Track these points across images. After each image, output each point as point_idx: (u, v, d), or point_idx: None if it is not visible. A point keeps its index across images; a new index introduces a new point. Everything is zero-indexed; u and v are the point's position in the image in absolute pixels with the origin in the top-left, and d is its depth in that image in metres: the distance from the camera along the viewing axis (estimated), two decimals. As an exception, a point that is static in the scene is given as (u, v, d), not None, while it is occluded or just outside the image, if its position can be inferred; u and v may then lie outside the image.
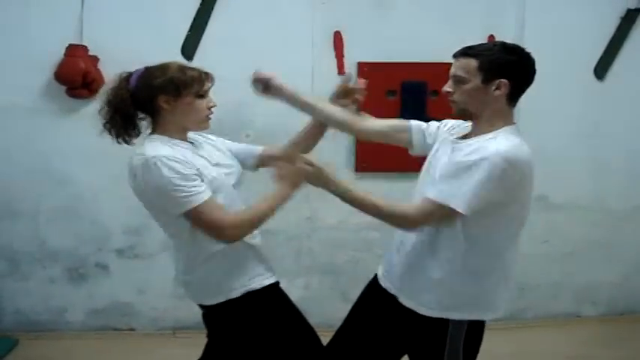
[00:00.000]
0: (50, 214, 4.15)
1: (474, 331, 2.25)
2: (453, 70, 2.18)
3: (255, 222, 2.30)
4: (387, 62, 4.11)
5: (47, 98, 4.01)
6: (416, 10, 4.16)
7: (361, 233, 4.25)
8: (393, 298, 2.32)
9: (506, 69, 2.11)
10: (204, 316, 2.51)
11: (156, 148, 2.23)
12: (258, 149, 2.70)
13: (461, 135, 2.27)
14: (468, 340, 2.23)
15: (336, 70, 4.15)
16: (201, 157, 2.35)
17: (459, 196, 2.03)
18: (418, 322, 2.23)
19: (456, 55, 2.18)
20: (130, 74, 2.35)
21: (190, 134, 2.42)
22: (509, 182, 2.04)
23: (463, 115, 2.21)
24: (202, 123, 2.38)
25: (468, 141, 2.17)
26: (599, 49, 4.36)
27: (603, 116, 4.41)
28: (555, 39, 4.24)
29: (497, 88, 2.11)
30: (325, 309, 4.26)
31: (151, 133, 2.36)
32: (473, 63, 2.11)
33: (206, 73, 2.38)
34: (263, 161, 2.67)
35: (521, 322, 4.41)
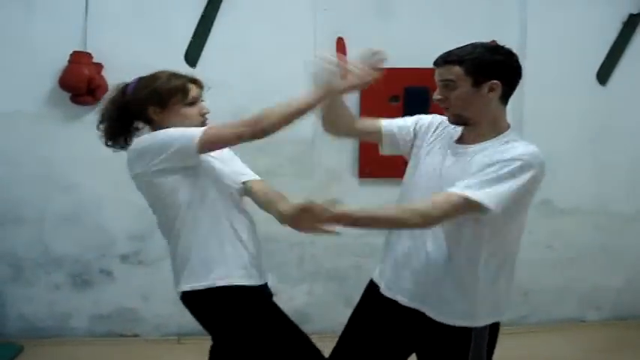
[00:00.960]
0: (54, 220, 4.16)
1: (493, 332, 2.25)
2: (439, 77, 2.14)
3: (282, 115, 2.27)
4: (389, 68, 4.10)
5: (52, 105, 4.03)
6: (418, 15, 4.18)
7: (364, 239, 4.24)
8: (402, 309, 2.27)
9: (495, 69, 2.08)
10: (184, 301, 2.45)
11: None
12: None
13: (456, 137, 2.24)
14: (489, 343, 2.24)
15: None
16: None
17: (493, 195, 1.97)
18: (440, 332, 2.20)
19: (437, 64, 2.14)
20: (127, 85, 2.39)
21: None
22: (536, 186, 2.06)
23: (459, 121, 2.16)
24: None
25: (472, 147, 2.14)
26: (602, 54, 4.37)
27: (606, 121, 4.41)
28: (558, 44, 4.26)
29: (490, 90, 2.09)
30: (329, 315, 4.27)
31: None
32: (457, 69, 2.08)
33: (193, 80, 2.38)
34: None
35: (525, 327, 4.40)
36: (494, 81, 2.08)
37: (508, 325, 4.06)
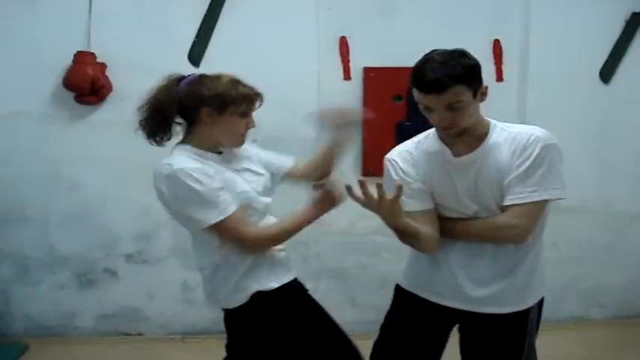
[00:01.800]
0: (59, 219, 4.17)
1: (541, 304, 2.35)
2: (442, 102, 2.03)
3: (278, 238, 2.32)
4: (392, 67, 4.13)
5: (56, 105, 4.05)
6: (421, 15, 4.18)
7: (369, 237, 4.25)
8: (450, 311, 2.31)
9: (479, 73, 2.09)
10: (225, 320, 2.46)
11: (184, 160, 2.21)
12: (287, 165, 2.60)
13: (450, 152, 2.22)
14: (539, 315, 2.35)
15: (341, 76, 4.17)
16: (229, 168, 2.32)
17: (549, 187, 2.12)
18: (499, 321, 2.25)
19: (436, 90, 2.01)
20: (183, 77, 2.32)
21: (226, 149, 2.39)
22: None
23: (461, 134, 2.13)
24: (236, 142, 2.35)
25: (477, 151, 2.16)
26: (605, 52, 4.37)
27: (610, 119, 4.41)
28: (561, 43, 4.25)
29: (482, 94, 2.11)
30: (333, 314, 4.26)
31: (182, 141, 2.34)
32: (461, 88, 2.01)
33: (257, 94, 2.34)
34: (291, 178, 2.61)
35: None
36: (483, 84, 2.10)
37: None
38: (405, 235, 2.16)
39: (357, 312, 4.04)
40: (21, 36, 3.98)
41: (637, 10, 4.33)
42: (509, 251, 2.20)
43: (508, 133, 2.16)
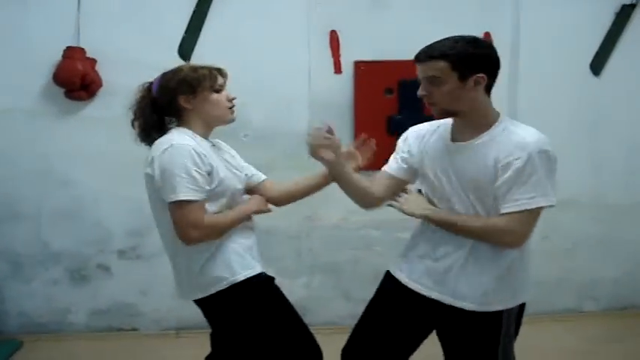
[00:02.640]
0: (52, 216, 4.16)
1: (520, 311, 2.39)
2: (423, 73, 2.16)
3: (218, 229, 2.38)
4: (383, 61, 4.13)
5: (46, 100, 4.03)
6: (411, 8, 4.18)
7: (361, 232, 4.26)
8: (430, 302, 2.33)
9: (480, 62, 2.13)
10: (201, 309, 2.54)
11: (183, 138, 2.35)
12: (261, 178, 2.74)
13: (451, 137, 2.29)
14: (516, 322, 2.38)
15: (332, 70, 4.17)
16: (219, 156, 2.47)
17: (545, 193, 2.13)
18: (471, 318, 2.27)
19: (420, 59, 2.16)
20: (151, 83, 2.48)
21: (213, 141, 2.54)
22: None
23: (446, 115, 2.23)
24: (225, 115, 2.50)
25: (475, 140, 2.19)
26: (595, 45, 4.37)
27: (601, 112, 4.41)
28: (551, 36, 4.26)
29: (476, 84, 2.13)
30: (327, 308, 4.29)
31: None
32: (442, 64, 2.10)
33: (217, 69, 2.49)
34: (258, 193, 2.69)
35: (523, 317, 4.41)
36: (480, 74, 2.12)
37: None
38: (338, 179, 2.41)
39: (351, 306, 4.04)
40: (10, 32, 3.96)
41: (627, 2, 4.33)
42: (484, 251, 2.22)
43: (508, 132, 2.16)
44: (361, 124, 4.12)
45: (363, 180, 2.45)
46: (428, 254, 2.34)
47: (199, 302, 2.47)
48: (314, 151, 2.29)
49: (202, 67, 2.46)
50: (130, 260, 4.25)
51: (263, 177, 2.73)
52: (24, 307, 4.24)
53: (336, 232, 4.33)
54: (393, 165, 2.47)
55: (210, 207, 2.36)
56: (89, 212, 4.18)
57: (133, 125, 2.48)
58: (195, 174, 2.27)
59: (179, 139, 2.32)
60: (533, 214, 2.13)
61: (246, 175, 2.64)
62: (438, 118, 2.26)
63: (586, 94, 4.39)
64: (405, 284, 2.39)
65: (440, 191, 2.30)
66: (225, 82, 2.50)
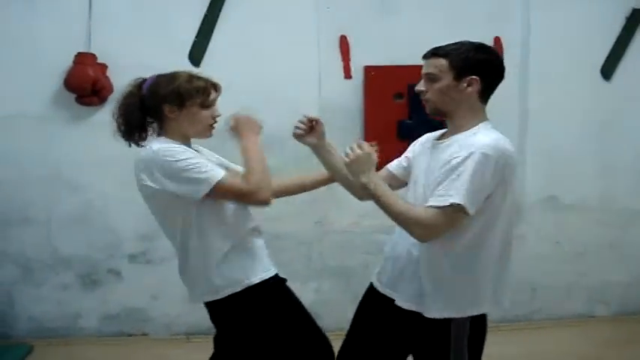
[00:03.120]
0: (62, 221, 4.17)
1: (477, 326, 2.24)
2: (424, 70, 2.22)
3: (265, 174, 2.34)
4: (393, 65, 4.13)
5: (57, 106, 4.05)
6: (421, 13, 4.19)
7: (372, 236, 4.25)
8: (393, 304, 2.32)
9: (476, 66, 2.15)
10: (209, 313, 2.51)
11: (160, 143, 2.32)
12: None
13: (437, 137, 2.33)
14: (472, 337, 2.23)
15: (342, 75, 4.18)
16: (203, 157, 2.41)
17: (460, 193, 2.02)
18: (422, 325, 2.24)
19: (426, 56, 2.22)
20: (144, 80, 2.42)
21: (193, 146, 2.48)
22: (498, 174, 2.06)
23: (437, 113, 2.24)
24: (205, 132, 2.44)
25: (447, 141, 2.22)
26: (606, 49, 4.36)
27: (611, 116, 4.41)
28: (561, 40, 4.25)
29: (468, 85, 2.15)
30: (337, 312, 4.26)
31: (158, 136, 2.42)
32: (442, 62, 2.15)
33: (213, 84, 2.43)
34: None
35: (533, 322, 4.40)
36: (474, 77, 2.14)
37: (516, 320, 4.11)
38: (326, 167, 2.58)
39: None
40: (21, 37, 3.98)
41: (637, 7, 4.33)
42: (429, 254, 2.20)
43: (470, 139, 2.12)
44: (371, 129, 4.12)
45: None
46: (390, 254, 2.39)
47: (209, 304, 2.44)
48: (297, 135, 2.50)
49: (199, 79, 2.40)
50: (141, 265, 4.26)
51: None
52: (34, 312, 4.24)
53: (347, 236, 4.33)
54: (395, 162, 2.53)
55: (213, 204, 2.32)
56: (100, 217, 4.19)
57: (114, 118, 2.43)
58: (198, 159, 2.26)
59: (158, 145, 2.29)
60: (445, 212, 2.04)
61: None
62: (431, 117, 2.27)
63: (596, 98, 4.38)
64: (376, 287, 2.44)
65: (412, 190, 2.33)
66: (216, 98, 2.44)
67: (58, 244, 4.19)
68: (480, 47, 2.20)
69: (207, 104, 2.39)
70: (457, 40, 2.21)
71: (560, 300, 4.54)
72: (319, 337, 2.51)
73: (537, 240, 4.39)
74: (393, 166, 2.52)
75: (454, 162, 2.06)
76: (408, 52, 3.79)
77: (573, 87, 4.30)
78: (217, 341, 2.64)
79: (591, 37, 4.31)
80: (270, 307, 2.41)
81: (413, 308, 2.23)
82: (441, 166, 2.12)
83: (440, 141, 2.27)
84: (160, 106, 2.35)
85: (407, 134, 4.12)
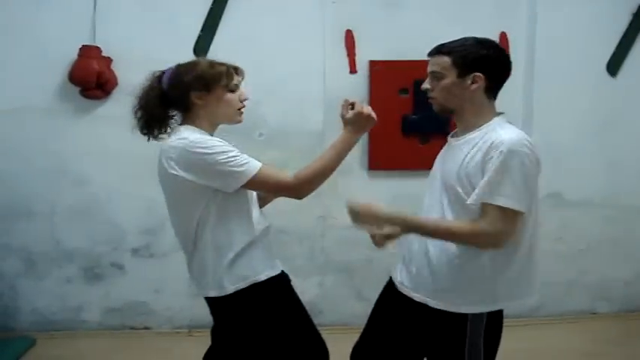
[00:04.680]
0: (65, 214, 4.18)
1: (493, 322, 2.25)
2: (429, 68, 2.23)
3: (323, 172, 2.37)
4: (398, 60, 4.12)
5: (62, 99, 4.05)
6: (427, 7, 4.17)
7: (375, 231, 4.25)
8: (409, 300, 2.33)
9: (480, 63, 2.15)
10: (212, 307, 2.50)
11: (193, 133, 2.30)
12: None
13: (453, 133, 2.34)
14: (487, 332, 2.24)
15: (347, 69, 4.17)
16: None
17: (509, 196, 2.05)
18: (439, 320, 2.24)
19: (430, 54, 2.23)
20: (163, 73, 2.40)
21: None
22: (536, 169, 2.11)
23: (444, 111, 2.24)
24: (235, 116, 2.43)
25: (460, 139, 2.23)
26: (612, 45, 4.35)
27: (616, 112, 4.39)
28: (567, 36, 4.24)
29: (473, 82, 2.15)
30: (340, 307, 4.29)
31: (183, 125, 2.40)
32: (446, 59, 2.17)
33: (235, 67, 2.43)
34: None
35: (535, 319, 4.39)
36: (478, 73, 2.14)
37: (519, 317, 4.10)
38: None
39: (363, 306, 4.00)
40: (26, 31, 3.98)
41: (644, 3, 4.31)
42: (441, 249, 2.22)
43: (489, 136, 2.13)
44: (376, 123, 4.11)
45: None
46: (406, 251, 2.42)
47: (212, 299, 2.43)
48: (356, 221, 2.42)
49: (220, 64, 2.38)
50: (144, 258, 4.26)
51: None
52: (37, 305, 4.26)
53: (350, 231, 4.28)
54: None
55: (236, 198, 2.32)
56: (103, 210, 4.20)
57: (135, 114, 2.40)
58: (235, 152, 2.25)
59: (192, 136, 2.27)
60: (506, 211, 2.07)
61: None
62: (438, 115, 2.28)
63: (602, 94, 4.37)
64: (394, 282, 2.45)
65: (429, 185, 2.34)
66: (240, 82, 2.44)
67: (61, 237, 4.20)
68: (483, 43, 2.20)
69: (232, 87, 2.39)
70: (463, 36, 2.21)
71: (563, 297, 4.54)
72: (315, 338, 2.51)
73: (540, 236, 4.38)
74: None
75: (491, 164, 2.06)
76: (414, 47, 3.79)
77: (579, 83, 4.29)
78: (215, 334, 2.64)
79: (597, 33, 4.29)
80: (273, 304, 2.41)
81: (436, 305, 2.23)
82: (464, 166, 2.13)
83: (455, 139, 2.27)
84: (187, 93, 2.33)
85: (411, 129, 4.12)
